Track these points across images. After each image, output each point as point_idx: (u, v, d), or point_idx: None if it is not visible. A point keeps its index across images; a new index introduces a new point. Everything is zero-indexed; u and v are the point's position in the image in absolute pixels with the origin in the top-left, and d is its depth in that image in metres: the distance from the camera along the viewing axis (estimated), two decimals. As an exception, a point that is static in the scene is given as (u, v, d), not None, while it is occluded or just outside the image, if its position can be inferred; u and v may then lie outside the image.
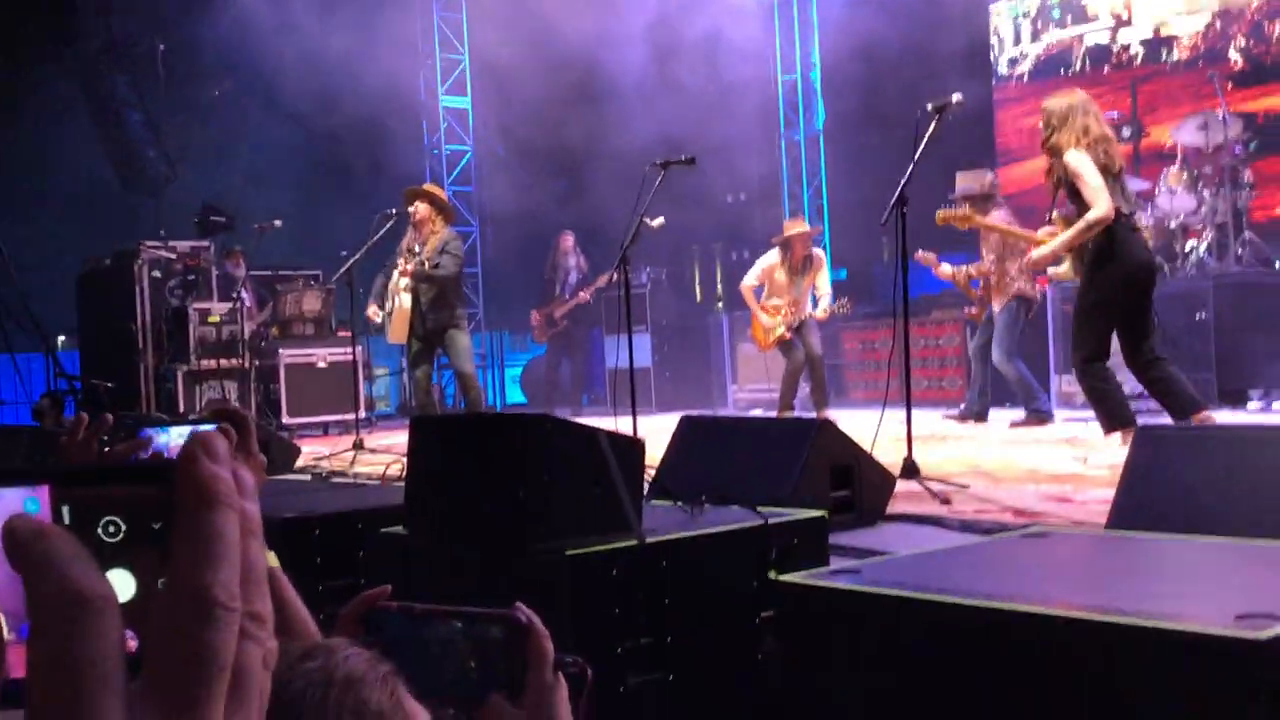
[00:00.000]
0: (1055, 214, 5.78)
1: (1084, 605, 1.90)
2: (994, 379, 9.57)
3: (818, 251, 9.02)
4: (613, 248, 6.52)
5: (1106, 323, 5.40)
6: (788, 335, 8.75)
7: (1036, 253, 5.62)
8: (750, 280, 8.91)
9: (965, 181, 8.03)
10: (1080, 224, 5.34)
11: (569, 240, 11.82)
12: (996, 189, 8.12)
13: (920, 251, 8.36)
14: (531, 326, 12.19)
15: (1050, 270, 5.77)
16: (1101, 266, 5.35)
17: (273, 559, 1.37)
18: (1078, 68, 11.58)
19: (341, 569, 3.49)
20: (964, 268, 8.20)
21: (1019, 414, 8.12)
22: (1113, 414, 5.42)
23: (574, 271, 11.78)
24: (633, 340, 6.29)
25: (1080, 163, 5.35)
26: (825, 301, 8.82)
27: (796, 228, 8.89)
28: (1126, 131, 10.13)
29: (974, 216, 6.69)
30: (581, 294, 11.55)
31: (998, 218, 7.98)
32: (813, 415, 8.43)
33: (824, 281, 8.98)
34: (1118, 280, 5.34)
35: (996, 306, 8.07)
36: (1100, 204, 5.29)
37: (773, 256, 8.90)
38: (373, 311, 8.22)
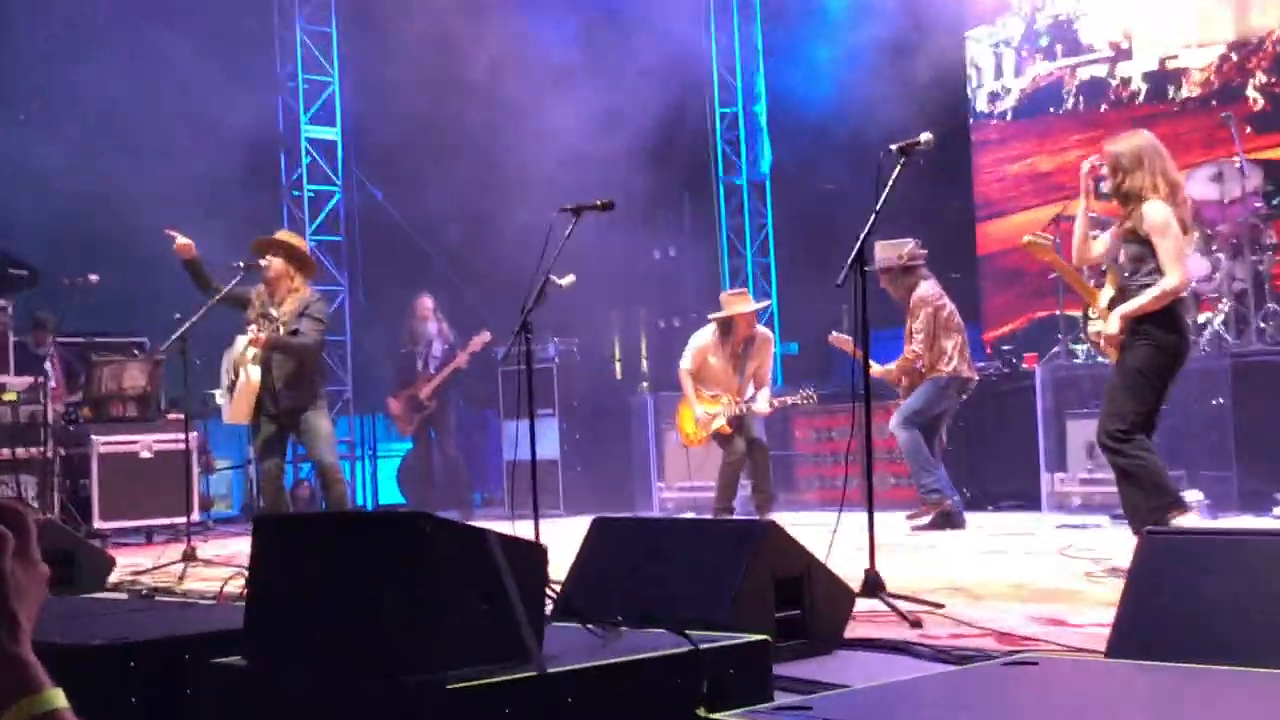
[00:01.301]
0: (1109, 265, 5.96)
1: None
2: (971, 474, 9.72)
3: (763, 330, 9.15)
4: (512, 310, 6.53)
5: (1156, 394, 5.68)
6: (728, 430, 8.83)
7: (1119, 312, 5.71)
8: (686, 363, 9.05)
9: (883, 253, 8.33)
10: (1155, 292, 5.65)
11: (427, 304, 11.78)
12: (920, 258, 8.39)
13: (835, 334, 8.63)
14: (393, 417, 12.05)
15: (1098, 330, 5.94)
16: (1158, 330, 5.64)
17: (58, 698, 1.33)
18: (1070, 105, 11.94)
19: (164, 711, 3.41)
20: (894, 365, 8.40)
21: (1008, 517, 8.24)
22: (1159, 489, 5.57)
23: (437, 340, 11.71)
24: (535, 427, 6.28)
25: (1166, 220, 5.62)
26: (766, 392, 8.92)
27: (738, 305, 8.99)
28: (1127, 182, 10.43)
29: (1052, 252, 6.79)
30: (459, 356, 11.46)
31: (925, 290, 8.27)
32: (756, 518, 8.46)
33: (767, 365, 9.09)
34: (1170, 350, 5.67)
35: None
36: (1176, 272, 5.64)
37: (706, 335, 9.00)
38: (227, 379, 8.11)
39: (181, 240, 7.89)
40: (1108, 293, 5.90)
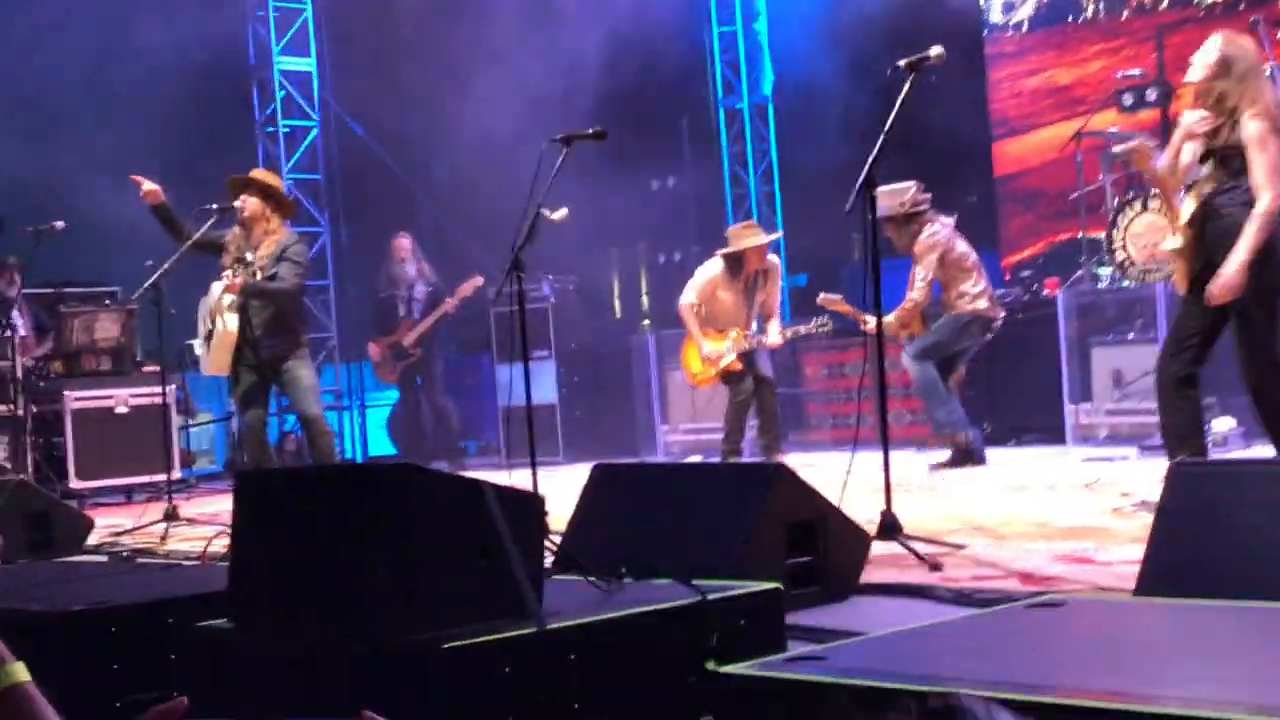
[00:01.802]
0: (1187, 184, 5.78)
1: (1108, 692, 1.92)
2: (991, 407, 9.73)
3: (773, 259, 9.12)
4: (503, 249, 6.51)
5: None
6: (738, 366, 8.83)
7: (1237, 252, 5.48)
8: (690, 297, 9.01)
9: (885, 201, 8.22)
10: (1260, 220, 5.38)
11: (405, 243, 11.67)
12: (924, 204, 8.33)
13: (823, 295, 8.65)
14: (374, 364, 12.00)
15: (1173, 248, 5.71)
16: (1265, 263, 5.44)
17: (20, 671, 1.33)
18: (1090, 13, 11.84)
19: (147, 677, 3.43)
20: (892, 316, 8.30)
21: (1030, 452, 8.26)
22: None
23: (419, 282, 11.63)
24: (531, 370, 6.27)
25: (1266, 136, 5.40)
26: (776, 324, 8.91)
27: (749, 238, 8.96)
28: (1151, 94, 10.37)
29: (1149, 159, 6.50)
30: (447, 302, 11.39)
31: (929, 234, 8.30)
32: (764, 460, 8.48)
33: (776, 296, 9.08)
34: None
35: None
36: (1272, 190, 5.37)
37: (714, 268, 8.97)
38: (204, 328, 8.08)
39: (148, 186, 7.85)
40: (1188, 207, 5.70)
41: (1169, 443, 5.70)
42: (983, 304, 8.38)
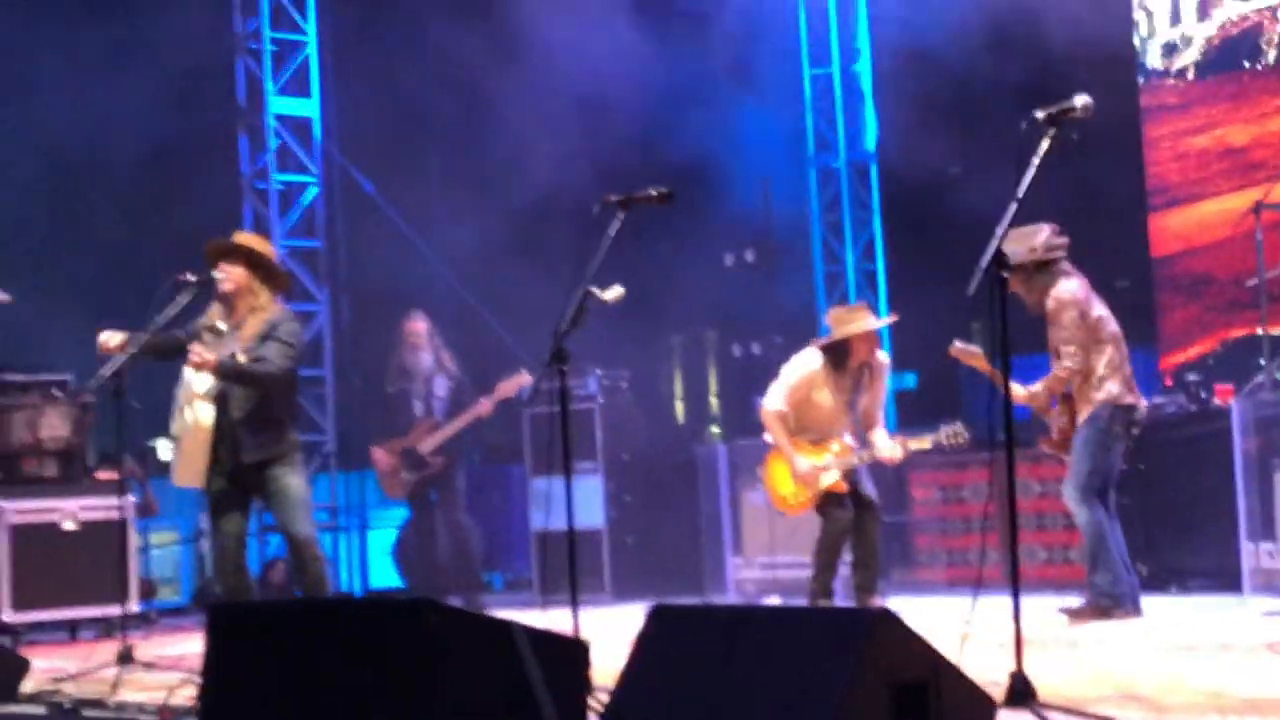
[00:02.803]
0: None
1: None
2: (1148, 543, 9.60)
3: (882, 356, 9.09)
4: (540, 336, 6.53)
5: None
6: (842, 486, 8.78)
7: None
8: (779, 401, 8.92)
9: (1011, 246, 8.14)
10: None
11: (420, 327, 11.60)
12: (1059, 250, 8.21)
13: (959, 344, 8.52)
14: (380, 474, 11.95)
15: None
16: None
17: None
18: (1271, 58, 11.86)
19: None
20: (1039, 386, 8.24)
21: (1197, 601, 8.12)
22: None
23: (438, 375, 11.59)
24: (573, 486, 6.25)
25: None
26: (883, 433, 8.87)
27: (858, 322, 8.94)
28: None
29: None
30: (481, 403, 11.35)
31: (1064, 289, 8.13)
32: (862, 605, 8.39)
33: (881, 399, 9.03)
34: None
35: (1081, 417, 8.20)
36: None
37: (811, 363, 8.93)
38: (178, 426, 8.07)
39: (106, 340, 7.82)
40: None
41: None
42: (1115, 387, 8.14)
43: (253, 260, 7.96)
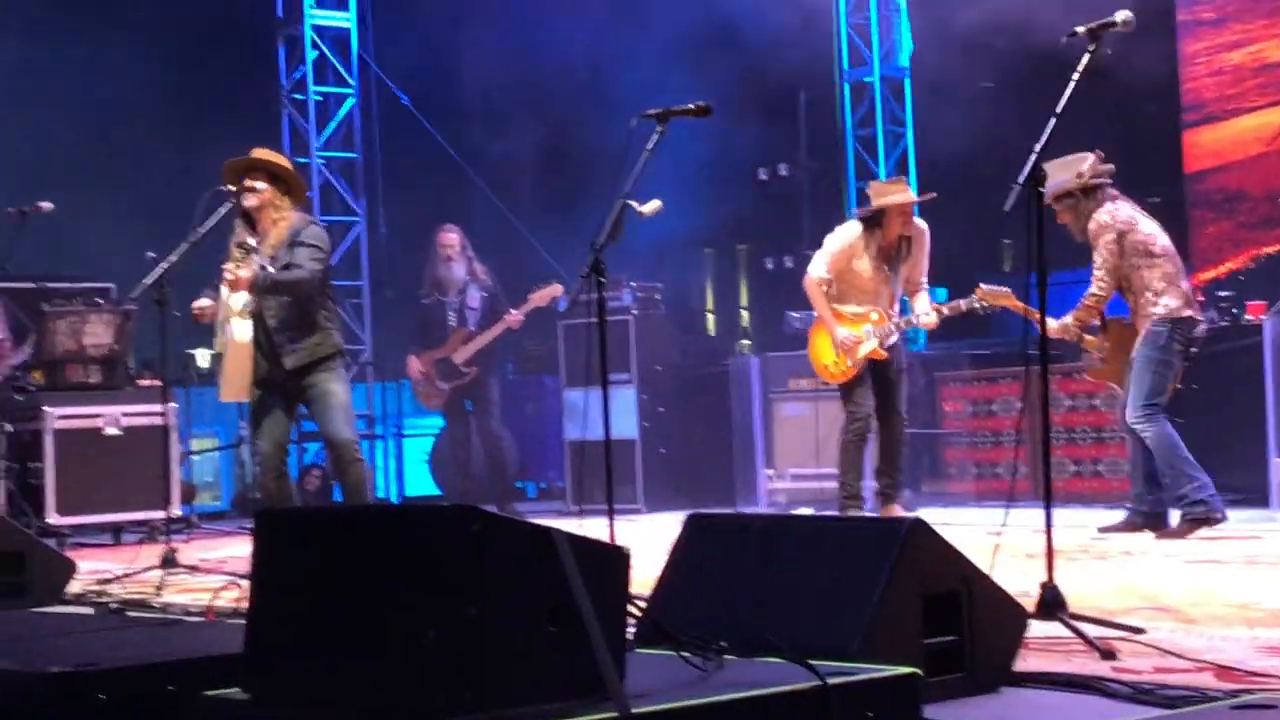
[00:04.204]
0: None
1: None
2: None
3: (920, 224, 9.06)
4: (575, 248, 6.53)
5: None
6: (882, 354, 8.81)
7: None
8: (821, 269, 8.94)
9: (1055, 175, 8.09)
10: None
11: (454, 238, 11.52)
12: (1104, 176, 8.15)
13: (984, 286, 8.50)
14: (415, 385, 11.95)
15: None
16: None
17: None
18: (1313, -26, 11.72)
19: (142, 756, 3.46)
20: (1070, 317, 8.19)
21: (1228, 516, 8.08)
22: None
23: (472, 286, 11.55)
24: (609, 397, 6.27)
25: None
26: (925, 298, 8.88)
27: (893, 194, 8.98)
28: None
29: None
30: (511, 314, 11.34)
31: (1105, 213, 8.06)
32: (901, 515, 8.42)
33: (923, 267, 9.02)
34: None
35: (1141, 334, 8.13)
36: None
37: (850, 233, 8.96)
38: (220, 343, 8.10)
39: (202, 304, 7.92)
40: None
41: None
42: (1172, 301, 8.04)
43: (275, 173, 7.98)
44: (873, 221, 8.87)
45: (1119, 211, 8.12)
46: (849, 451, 8.92)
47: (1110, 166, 8.26)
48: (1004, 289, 8.49)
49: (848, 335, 8.84)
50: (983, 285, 8.61)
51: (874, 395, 8.83)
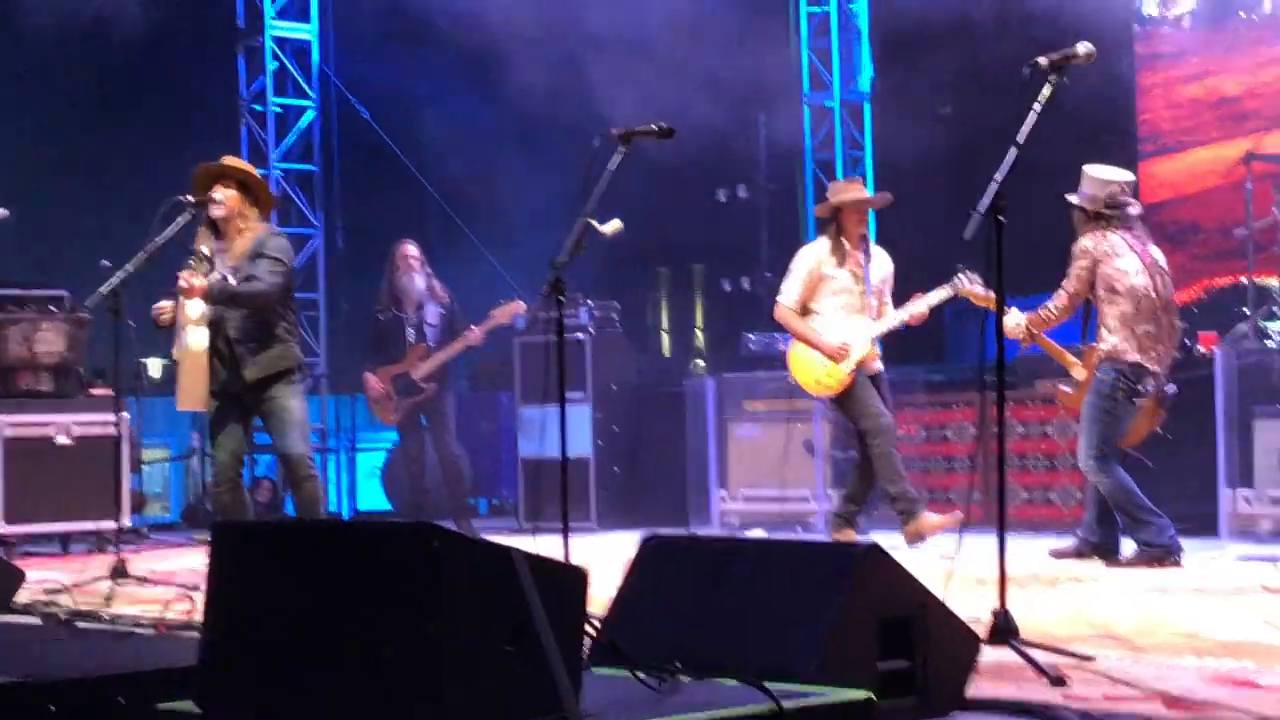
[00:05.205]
0: None
1: None
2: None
3: (882, 252, 9.24)
4: (532, 265, 6.53)
5: None
6: (876, 354, 8.87)
7: None
8: (791, 298, 8.97)
9: (1089, 187, 8.08)
10: None
11: (410, 253, 11.41)
12: (1120, 209, 8.07)
13: (962, 279, 8.48)
14: (371, 400, 11.86)
15: None
16: None
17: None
18: (1267, 8, 11.81)
19: (91, 769, 3.43)
20: (1023, 319, 8.20)
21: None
22: None
23: (430, 302, 11.48)
24: (565, 415, 6.27)
25: None
26: (911, 303, 8.90)
27: (848, 192, 9.07)
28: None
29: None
30: (471, 330, 11.28)
31: (1089, 240, 8.04)
32: (849, 540, 8.44)
33: (890, 286, 9.13)
34: None
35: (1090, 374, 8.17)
36: None
37: (817, 249, 9.03)
38: (177, 351, 8.04)
39: (164, 304, 7.86)
40: None
41: None
42: (1119, 342, 7.97)
43: (243, 182, 7.97)
44: (833, 226, 8.95)
45: (1103, 242, 8.05)
46: (890, 461, 8.84)
47: (1130, 201, 8.17)
48: (979, 279, 8.42)
49: (834, 346, 8.84)
50: (961, 275, 8.59)
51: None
